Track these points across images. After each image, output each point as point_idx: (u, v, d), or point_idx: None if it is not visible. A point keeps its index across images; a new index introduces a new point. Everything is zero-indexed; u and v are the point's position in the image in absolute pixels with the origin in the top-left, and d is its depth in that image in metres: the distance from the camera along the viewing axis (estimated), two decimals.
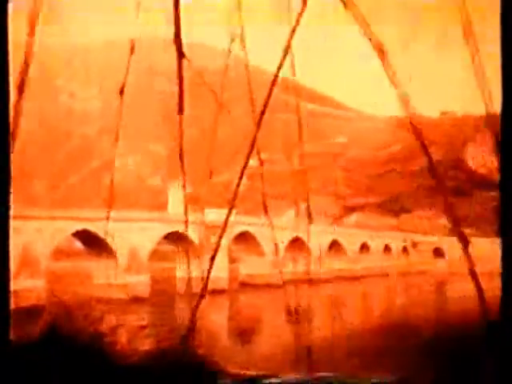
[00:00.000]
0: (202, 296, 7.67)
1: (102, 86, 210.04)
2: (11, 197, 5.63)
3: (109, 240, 57.15)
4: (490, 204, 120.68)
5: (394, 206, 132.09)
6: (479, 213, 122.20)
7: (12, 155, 6.27)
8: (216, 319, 52.31)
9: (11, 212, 5.54)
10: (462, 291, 72.34)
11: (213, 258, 7.96)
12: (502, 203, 5.76)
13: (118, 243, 57.79)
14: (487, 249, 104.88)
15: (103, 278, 57.25)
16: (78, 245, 72.39)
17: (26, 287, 44.62)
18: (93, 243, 57.89)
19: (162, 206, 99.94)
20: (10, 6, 6.08)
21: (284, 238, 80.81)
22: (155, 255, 68.75)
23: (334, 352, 34.04)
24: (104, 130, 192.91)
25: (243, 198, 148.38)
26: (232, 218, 72.51)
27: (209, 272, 7.82)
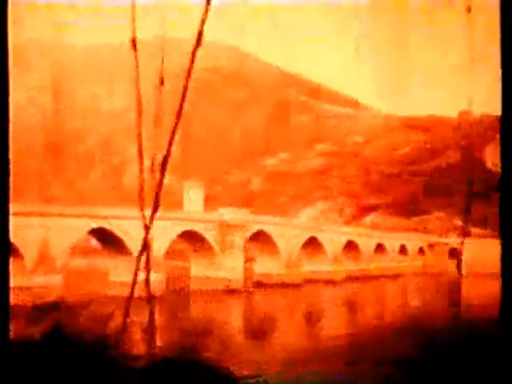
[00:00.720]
0: (129, 298, 7.59)
1: (121, 85, 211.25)
2: (11, 194, 5.72)
3: (125, 238, 57.55)
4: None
5: (409, 207, 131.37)
6: (495, 214, 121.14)
7: (15, 153, 6.36)
8: (231, 318, 52.48)
9: (11, 209, 5.61)
10: (477, 292, 71.94)
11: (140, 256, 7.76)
12: (501, 203, 5.78)
13: (133, 241, 58.12)
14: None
15: (119, 275, 57.60)
16: (94, 243, 73.01)
17: (43, 284, 45.11)
18: (109, 241, 58.33)
19: (177, 204, 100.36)
20: (10, 5, 6.14)
21: (300, 238, 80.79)
22: (170, 254, 69.11)
23: (348, 351, 34.00)
24: (123, 129, 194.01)
25: (260, 197, 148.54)
26: (249, 218, 72.71)
27: (136, 273, 7.70)
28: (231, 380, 7.19)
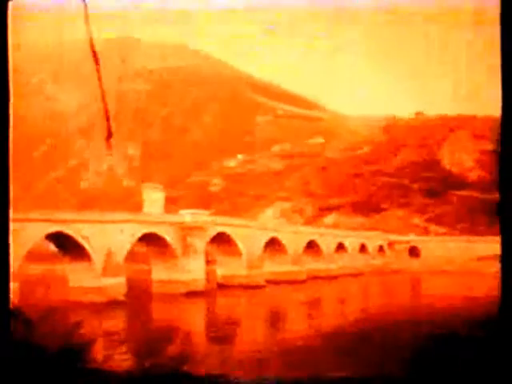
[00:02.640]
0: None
1: (77, 86, 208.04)
2: (11, 197, 5.54)
3: (84, 242, 56.57)
4: (463, 203, 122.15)
5: (369, 206, 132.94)
6: (453, 212, 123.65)
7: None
8: (193, 321, 52.11)
9: (11, 213, 5.44)
10: (436, 290, 73.13)
11: None
12: (501, 203, 5.77)
13: (93, 245, 57.21)
14: (462, 247, 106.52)
15: (79, 281, 56.59)
16: (52, 247, 71.52)
17: None
18: (68, 246, 57.22)
19: (136, 207, 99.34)
20: (10, 5, 6.02)
21: (261, 239, 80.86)
22: (130, 257, 68.24)
23: (310, 352, 34.07)
24: (79, 131, 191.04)
25: (220, 199, 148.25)
26: (208, 219, 72.37)
27: None
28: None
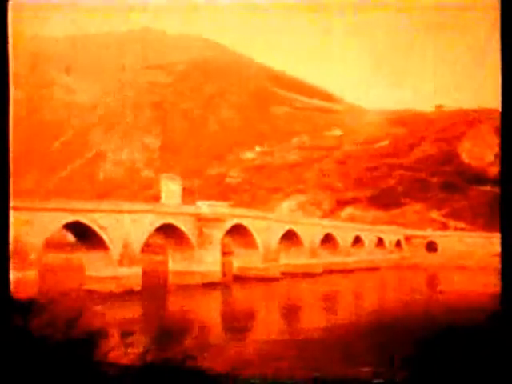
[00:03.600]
0: None
1: (96, 79, 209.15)
2: (11, 190, 5.52)
3: (101, 232, 56.88)
4: (483, 198, 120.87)
5: (386, 200, 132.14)
6: (472, 207, 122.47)
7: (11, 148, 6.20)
8: (209, 312, 52.24)
9: (11, 204, 5.42)
10: (454, 285, 72.52)
11: None
12: (501, 198, 5.62)
13: (110, 235, 57.50)
14: (478, 243, 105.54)
15: (96, 270, 56.95)
16: (70, 237, 72.09)
17: (17, 279, 44.38)
18: (85, 235, 57.57)
19: (154, 198, 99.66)
20: (10, 5, 6.02)
21: (278, 231, 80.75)
22: (147, 248, 68.57)
23: (325, 345, 33.97)
24: (98, 122, 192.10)
25: (237, 191, 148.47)
26: (225, 211, 72.39)
27: None
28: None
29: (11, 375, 5.95)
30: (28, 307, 7.19)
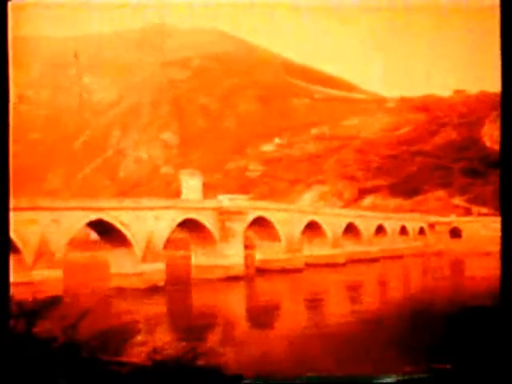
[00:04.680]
0: None
1: (113, 77, 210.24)
2: (11, 190, 5.52)
3: (124, 229, 57.30)
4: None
5: (408, 187, 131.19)
6: (495, 192, 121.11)
7: (16, 148, 6.20)
8: (233, 306, 52.38)
9: (11, 205, 5.43)
10: (480, 271, 71.87)
11: None
12: (502, 182, 5.49)
13: (133, 232, 57.93)
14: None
15: (120, 267, 57.43)
16: (94, 235, 72.75)
17: (42, 278, 44.93)
18: (108, 233, 58.07)
19: (175, 193, 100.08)
20: (10, 5, 6.00)
21: (300, 222, 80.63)
22: (170, 243, 68.87)
23: (351, 336, 33.86)
24: (117, 121, 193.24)
25: (258, 184, 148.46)
26: (246, 204, 72.45)
27: None
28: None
29: (17, 373, 5.98)
30: (31, 311, 7.20)
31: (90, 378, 6.28)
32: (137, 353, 7.46)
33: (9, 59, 5.42)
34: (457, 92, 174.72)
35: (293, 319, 42.63)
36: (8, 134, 5.51)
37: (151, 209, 60.42)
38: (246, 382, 7.78)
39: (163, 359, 6.83)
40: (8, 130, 5.52)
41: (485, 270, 74.09)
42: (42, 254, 47.24)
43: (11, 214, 5.31)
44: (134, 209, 59.07)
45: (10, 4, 5.48)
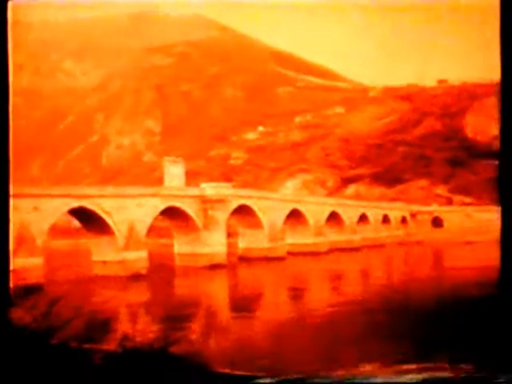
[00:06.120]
0: None
1: (97, 62, 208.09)
2: (11, 177, 5.43)
3: (106, 217, 56.94)
4: (488, 173, 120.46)
5: (391, 176, 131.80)
6: (477, 182, 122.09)
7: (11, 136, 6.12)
8: (216, 294, 52.39)
9: (11, 191, 5.34)
10: (460, 261, 72.51)
11: None
12: (500, 172, 5.46)
13: (115, 220, 57.59)
14: (485, 218, 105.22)
15: (102, 255, 57.10)
16: (76, 223, 72.22)
17: (23, 266, 44.50)
18: (90, 220, 57.66)
19: (157, 181, 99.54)
20: (10, 5, 5.89)
21: (283, 211, 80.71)
22: (153, 231, 68.64)
23: (333, 324, 34.01)
24: (99, 107, 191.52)
25: (241, 171, 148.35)
26: (229, 192, 72.32)
27: None
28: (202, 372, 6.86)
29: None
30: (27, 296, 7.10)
31: (58, 366, 6.18)
32: (114, 340, 7.36)
33: (9, 59, 5.30)
34: (440, 82, 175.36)
35: (275, 307, 42.72)
36: (8, 134, 5.42)
37: (133, 196, 60.08)
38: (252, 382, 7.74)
39: (135, 347, 6.75)
40: (8, 130, 5.42)
41: (465, 259, 74.80)
42: (23, 242, 46.81)
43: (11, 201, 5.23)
44: (116, 196, 58.69)
45: (10, 4, 5.36)
